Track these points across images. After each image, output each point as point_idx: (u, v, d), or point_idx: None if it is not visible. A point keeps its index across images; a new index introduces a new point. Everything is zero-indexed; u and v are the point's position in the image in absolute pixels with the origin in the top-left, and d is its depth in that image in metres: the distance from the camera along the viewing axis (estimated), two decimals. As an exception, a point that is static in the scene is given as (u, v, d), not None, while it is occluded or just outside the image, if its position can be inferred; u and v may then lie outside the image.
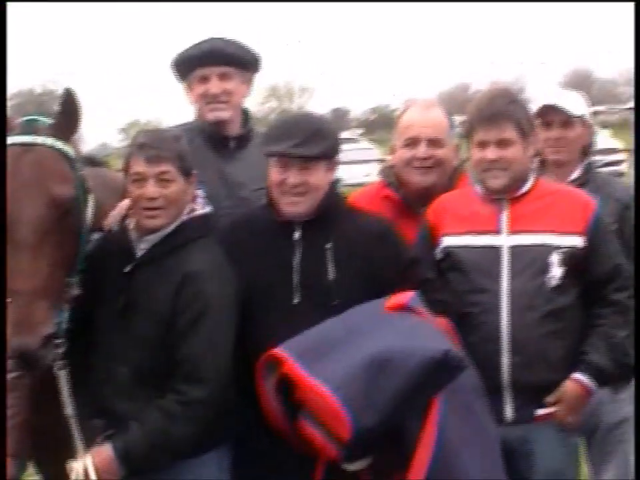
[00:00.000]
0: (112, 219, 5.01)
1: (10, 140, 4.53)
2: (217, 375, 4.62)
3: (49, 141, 4.54)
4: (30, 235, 4.35)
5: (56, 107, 4.66)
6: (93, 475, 4.45)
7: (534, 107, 6.07)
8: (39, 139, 4.51)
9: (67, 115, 4.70)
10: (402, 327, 4.69)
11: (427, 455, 4.52)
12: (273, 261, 4.94)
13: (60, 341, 4.49)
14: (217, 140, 5.49)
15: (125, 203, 5.01)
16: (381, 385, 4.44)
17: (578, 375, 5.03)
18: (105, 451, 4.49)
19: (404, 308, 4.73)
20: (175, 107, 5.93)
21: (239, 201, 5.43)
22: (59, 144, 4.58)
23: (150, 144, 4.70)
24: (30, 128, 4.60)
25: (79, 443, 4.65)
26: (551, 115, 6.01)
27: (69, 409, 4.63)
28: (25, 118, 4.72)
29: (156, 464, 4.60)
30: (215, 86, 5.73)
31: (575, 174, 5.99)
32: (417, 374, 4.49)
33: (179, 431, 4.55)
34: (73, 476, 4.50)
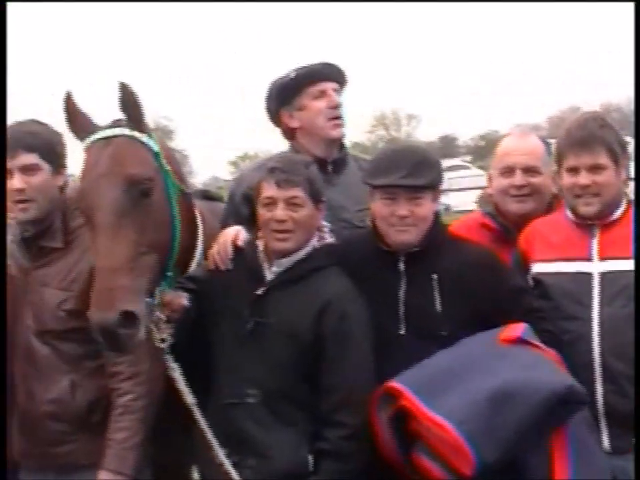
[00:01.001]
0: (227, 241, 5.00)
1: (92, 137, 4.65)
2: (367, 399, 4.59)
3: (125, 131, 4.62)
4: (107, 215, 4.41)
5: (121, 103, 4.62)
6: None
7: None
8: (116, 131, 4.61)
9: (131, 106, 4.69)
10: (520, 360, 4.65)
11: None
12: (378, 290, 4.86)
13: (163, 337, 4.61)
14: (317, 164, 5.25)
15: (232, 230, 5.06)
16: (504, 420, 4.42)
17: None
18: None
19: (519, 341, 4.69)
20: (277, 139, 5.89)
21: (342, 222, 5.39)
22: (135, 133, 4.65)
23: (281, 168, 4.75)
24: (111, 125, 4.69)
25: (206, 431, 4.61)
26: None
27: (189, 398, 4.63)
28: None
29: None
30: (335, 99, 5.78)
31: None
32: (541, 408, 4.48)
33: (355, 467, 4.56)
34: None
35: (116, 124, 4.69)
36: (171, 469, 5.31)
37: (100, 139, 4.63)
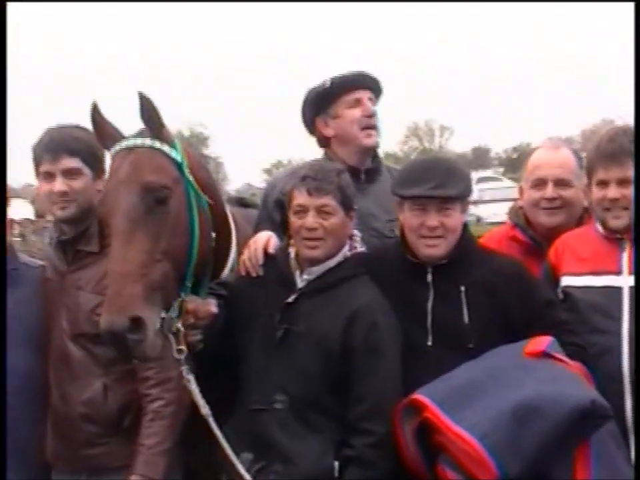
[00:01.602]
0: (258, 247, 5.04)
1: (115, 147, 4.70)
2: (392, 410, 4.63)
3: (146, 141, 4.65)
4: (122, 221, 4.45)
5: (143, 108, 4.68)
6: None
7: None
8: (138, 141, 4.65)
9: (154, 119, 4.75)
10: (545, 374, 4.65)
11: None
12: (406, 302, 4.87)
13: (177, 341, 4.59)
14: (350, 173, 5.24)
15: (264, 235, 5.13)
16: (527, 434, 4.42)
17: None
18: None
19: (544, 354, 4.69)
20: (312, 147, 5.94)
21: (372, 231, 5.41)
22: (156, 143, 4.68)
23: (312, 176, 4.79)
24: (134, 135, 4.74)
25: (221, 441, 4.62)
26: None
27: (204, 410, 4.63)
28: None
29: None
30: (369, 108, 5.83)
31: None
32: (564, 423, 4.47)
33: (380, 475, 4.57)
34: None
35: (139, 134, 4.74)
36: (203, 474, 5.35)
37: (123, 148, 4.68)
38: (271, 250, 5.09)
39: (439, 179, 4.89)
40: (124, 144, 4.68)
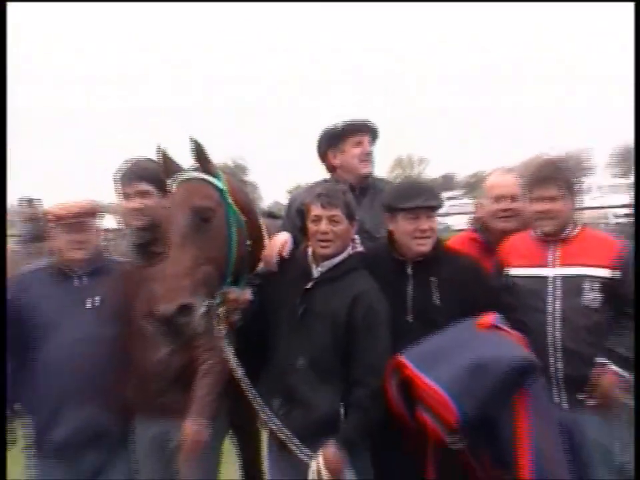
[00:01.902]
0: (273, 250, 5.43)
1: (174, 179, 5.08)
2: (384, 369, 5.00)
3: (196, 174, 5.06)
4: (175, 235, 4.81)
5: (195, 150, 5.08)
6: (324, 468, 4.84)
7: None
8: (192, 174, 5.06)
9: (202, 157, 5.10)
10: (492, 340, 5.08)
11: (524, 445, 4.93)
12: (392, 288, 5.24)
13: (217, 322, 4.99)
14: (355, 191, 5.74)
15: (282, 237, 5.53)
16: (479, 384, 4.82)
17: (607, 363, 5.29)
18: (330, 450, 4.86)
19: (492, 327, 5.11)
20: (320, 173, 6.44)
21: (364, 234, 5.74)
22: (204, 175, 5.08)
23: (326, 194, 5.21)
24: (189, 169, 5.12)
25: (258, 409, 5.05)
26: None
27: (238, 372, 5.03)
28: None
29: (358, 447, 5.00)
30: (367, 147, 6.23)
31: None
32: (507, 376, 4.91)
33: (373, 418, 4.95)
34: (310, 475, 4.88)
35: (193, 168, 5.11)
36: (247, 422, 5.69)
37: (182, 179, 5.06)
38: (285, 254, 5.46)
39: (427, 194, 5.38)
40: (182, 176, 5.07)
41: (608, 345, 5.36)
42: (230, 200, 5.13)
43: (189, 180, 5.07)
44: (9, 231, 6.09)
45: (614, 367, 5.31)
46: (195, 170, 5.12)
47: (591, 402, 5.33)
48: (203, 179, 5.08)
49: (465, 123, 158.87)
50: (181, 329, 4.64)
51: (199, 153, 5.07)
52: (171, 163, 5.16)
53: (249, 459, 6.23)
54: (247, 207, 5.40)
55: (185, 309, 4.61)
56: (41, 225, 14.78)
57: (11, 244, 6.81)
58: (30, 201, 14.40)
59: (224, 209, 5.08)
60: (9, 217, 10.39)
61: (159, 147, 5.11)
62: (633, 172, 5.16)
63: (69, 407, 5.34)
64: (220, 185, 5.12)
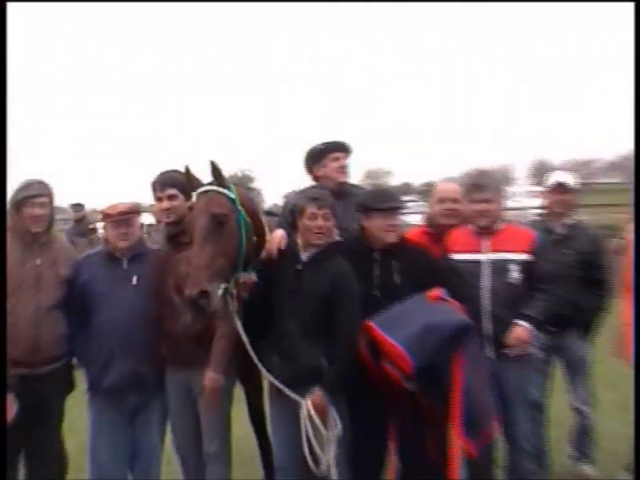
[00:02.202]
0: (274, 243, 5.59)
1: (197, 191, 5.24)
2: (357, 331, 5.22)
3: (214, 187, 5.22)
4: (198, 235, 5.01)
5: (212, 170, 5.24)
6: (312, 409, 5.09)
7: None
8: (210, 187, 5.22)
9: (217, 174, 5.26)
10: (439, 308, 5.34)
11: (459, 388, 5.26)
12: (363, 270, 5.42)
13: (229, 301, 5.15)
14: (335, 195, 5.76)
15: (279, 233, 5.65)
16: (429, 341, 5.13)
17: (520, 322, 5.55)
18: (317, 394, 5.10)
19: (439, 298, 5.38)
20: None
21: (341, 229, 5.76)
22: (219, 188, 5.22)
23: (319, 197, 5.41)
24: (208, 183, 5.27)
25: (258, 366, 5.27)
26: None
27: (244, 337, 5.22)
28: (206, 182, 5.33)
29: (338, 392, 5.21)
30: (344, 162, 6.37)
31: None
32: (450, 334, 5.21)
33: (348, 371, 5.19)
34: (301, 414, 5.11)
35: (211, 183, 5.25)
36: (252, 375, 5.69)
37: (202, 191, 5.23)
38: (282, 246, 5.57)
39: (393, 199, 5.66)
40: (202, 189, 5.23)
41: (524, 310, 5.59)
42: (239, 207, 5.26)
43: (207, 192, 5.21)
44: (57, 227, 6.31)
45: (523, 323, 5.56)
46: (212, 184, 5.25)
47: (512, 353, 5.55)
48: (219, 192, 5.22)
49: (419, 140, 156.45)
50: (201, 306, 4.87)
51: (215, 171, 5.22)
52: (193, 178, 5.29)
53: (254, 403, 6.33)
54: (253, 211, 5.52)
55: (204, 294, 4.84)
56: (84, 224, 15.24)
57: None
58: (77, 205, 14.93)
59: (235, 214, 5.22)
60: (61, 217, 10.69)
61: (186, 166, 5.28)
62: (633, 173, 5.18)
63: (116, 360, 5.54)
64: (232, 195, 5.25)
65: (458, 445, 5.30)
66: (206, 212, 5.13)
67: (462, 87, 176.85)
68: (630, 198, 5.72)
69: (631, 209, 5.68)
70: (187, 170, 5.30)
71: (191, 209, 5.33)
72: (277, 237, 5.64)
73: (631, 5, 6.20)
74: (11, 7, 6.42)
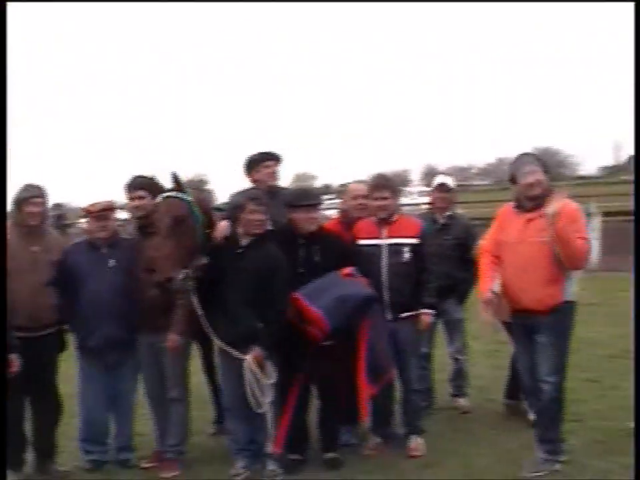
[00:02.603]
0: (220, 232, 5.61)
1: (163, 195, 5.36)
2: (287, 301, 5.32)
3: (174, 194, 5.35)
4: (163, 233, 5.20)
5: (173, 181, 5.37)
6: (253, 364, 5.21)
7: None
8: (171, 194, 5.36)
9: (178, 183, 5.38)
10: (350, 283, 5.45)
11: (364, 345, 5.49)
12: (291, 253, 5.45)
13: (189, 283, 5.26)
14: (267, 195, 5.88)
15: (224, 224, 5.62)
16: (343, 308, 5.30)
17: (424, 311, 5.78)
18: (256, 350, 5.21)
19: (350, 275, 5.48)
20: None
21: (273, 220, 5.71)
22: (179, 194, 5.34)
23: (257, 197, 5.48)
24: (170, 189, 5.40)
25: (209, 330, 5.37)
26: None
27: (198, 310, 5.34)
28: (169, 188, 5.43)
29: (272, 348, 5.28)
30: (273, 169, 6.34)
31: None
32: (359, 303, 5.38)
33: (280, 330, 5.30)
34: (245, 367, 5.21)
35: (171, 189, 5.37)
36: (206, 337, 5.63)
37: (164, 197, 5.35)
38: (226, 232, 5.57)
39: (314, 197, 5.79)
40: (165, 195, 5.35)
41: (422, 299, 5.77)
42: (194, 208, 5.35)
43: (169, 197, 5.33)
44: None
45: (427, 311, 5.80)
46: (173, 190, 5.36)
47: (406, 315, 5.71)
48: (178, 197, 5.34)
49: (339, 148, 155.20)
50: (167, 288, 5.16)
51: (175, 180, 5.36)
52: (158, 185, 5.42)
53: (206, 358, 6.36)
54: (205, 208, 5.59)
55: (170, 279, 5.10)
56: (62, 220, 15.02)
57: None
58: (58, 205, 14.80)
59: (191, 214, 5.33)
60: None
61: (152, 175, 5.44)
62: (633, 171, 5.16)
63: (98, 326, 5.60)
64: (188, 198, 5.35)
65: (365, 387, 5.46)
66: (168, 214, 5.24)
67: (370, 102, 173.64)
68: (631, 201, 5.71)
69: (631, 204, 5.78)
70: (153, 178, 5.45)
71: (156, 209, 5.41)
72: (221, 227, 5.62)
73: (631, 5, 5.81)
74: (11, 7, 6.03)
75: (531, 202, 5.20)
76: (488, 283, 5.29)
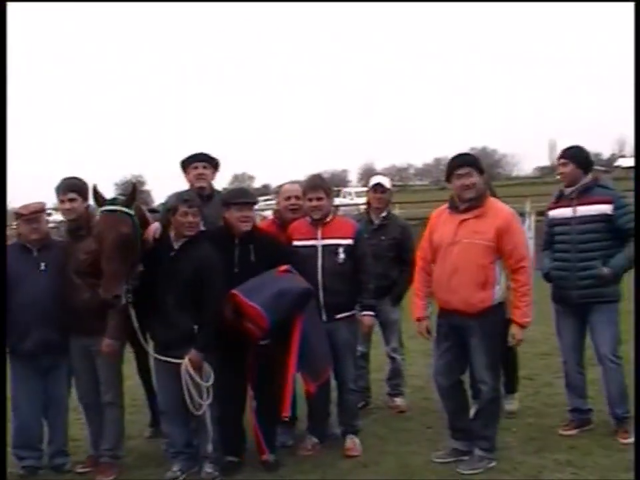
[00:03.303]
0: (150, 234, 5.58)
1: (104, 208, 5.29)
2: (221, 299, 5.29)
3: (120, 207, 5.29)
4: (109, 249, 5.13)
5: (125, 191, 5.40)
6: (190, 367, 5.21)
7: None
8: (117, 207, 5.28)
9: (132, 195, 5.40)
10: (287, 279, 5.47)
11: (297, 340, 5.45)
12: (225, 253, 5.46)
13: (129, 295, 5.25)
14: (200, 196, 5.88)
15: (154, 226, 5.63)
16: (281, 303, 5.29)
17: (365, 313, 5.85)
18: (192, 353, 5.21)
19: (286, 272, 5.50)
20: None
21: (210, 223, 5.80)
22: (126, 209, 5.29)
23: (189, 199, 5.45)
24: (114, 202, 5.36)
25: (142, 341, 5.45)
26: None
27: (135, 324, 5.37)
28: (110, 197, 5.44)
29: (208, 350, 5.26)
30: (201, 171, 6.27)
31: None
32: (297, 298, 5.42)
33: (215, 331, 5.25)
34: (182, 370, 5.20)
35: (115, 202, 5.35)
36: (138, 342, 5.61)
37: (109, 210, 5.29)
38: (157, 234, 5.59)
39: (249, 196, 5.76)
40: (110, 207, 5.29)
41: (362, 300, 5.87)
42: (136, 220, 5.35)
43: (115, 212, 5.28)
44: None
45: (367, 313, 5.89)
46: (117, 203, 5.34)
47: (342, 315, 5.77)
48: (126, 212, 5.31)
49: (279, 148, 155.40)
50: (114, 303, 5.14)
51: (132, 193, 5.44)
52: (99, 195, 5.34)
53: (142, 362, 6.32)
54: (142, 213, 5.62)
55: (116, 297, 5.09)
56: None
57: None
58: None
59: (135, 229, 5.32)
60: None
61: (94, 184, 5.36)
62: (633, 172, 5.16)
63: (31, 330, 5.56)
64: (132, 213, 5.32)
65: (291, 384, 5.49)
66: (115, 230, 5.19)
67: (309, 102, 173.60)
68: None
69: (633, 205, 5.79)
70: (95, 188, 5.37)
71: (100, 223, 5.37)
72: (152, 228, 5.62)
73: (631, 5, 5.81)
74: (11, 7, 6.04)
75: (465, 203, 5.29)
76: (420, 309, 5.57)
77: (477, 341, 5.27)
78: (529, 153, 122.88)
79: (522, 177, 70.52)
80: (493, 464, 5.35)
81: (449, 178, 5.42)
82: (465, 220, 5.26)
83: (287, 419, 5.58)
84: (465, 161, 5.38)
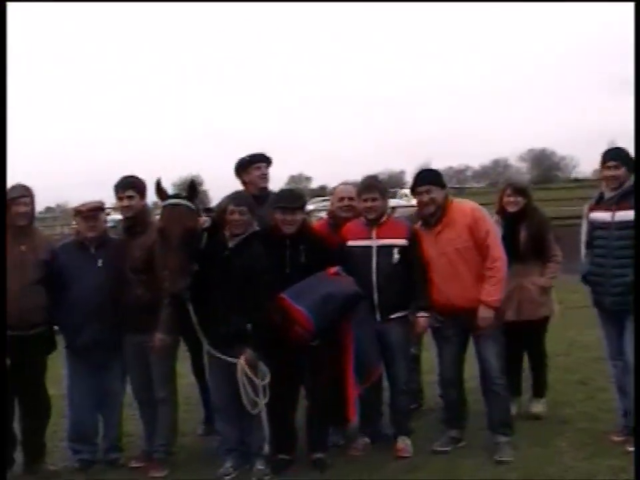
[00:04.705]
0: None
1: (168, 202, 5.41)
2: (272, 302, 5.30)
3: (184, 202, 5.41)
4: (174, 243, 5.21)
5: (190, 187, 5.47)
6: (245, 366, 5.28)
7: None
8: (181, 201, 5.41)
9: (192, 190, 5.51)
10: (336, 282, 5.48)
11: (351, 343, 5.56)
12: (277, 253, 5.52)
13: (187, 289, 5.29)
14: (257, 198, 5.96)
15: (203, 219, 5.71)
16: (328, 308, 5.33)
17: (420, 314, 5.75)
18: (248, 352, 5.27)
19: (336, 274, 5.51)
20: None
21: (265, 223, 5.80)
22: (189, 203, 5.41)
23: (239, 199, 5.55)
24: (177, 196, 5.50)
25: (201, 336, 5.48)
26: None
27: (194, 318, 5.42)
28: (174, 193, 5.57)
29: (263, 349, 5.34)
30: (264, 171, 6.42)
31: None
32: (345, 302, 5.42)
33: (269, 331, 5.34)
34: (238, 369, 5.27)
35: (180, 196, 5.48)
36: (196, 338, 5.65)
37: (174, 204, 5.42)
38: (204, 225, 5.68)
39: (291, 200, 5.72)
40: (174, 201, 5.42)
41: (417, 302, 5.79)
42: (197, 215, 5.45)
43: (179, 205, 5.39)
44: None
45: (422, 314, 5.77)
46: (182, 197, 5.46)
47: (395, 316, 5.75)
48: (189, 207, 5.42)
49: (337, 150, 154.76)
50: (179, 298, 5.29)
51: (192, 188, 5.52)
52: (162, 189, 5.46)
53: (196, 360, 6.22)
54: (198, 211, 5.67)
55: (180, 290, 5.23)
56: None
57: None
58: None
59: (198, 223, 5.44)
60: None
61: (158, 179, 5.45)
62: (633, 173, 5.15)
63: (86, 325, 5.65)
64: (193, 207, 5.44)
65: (352, 387, 5.54)
66: (180, 223, 5.30)
67: (367, 103, 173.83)
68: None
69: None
70: (158, 182, 5.47)
71: (164, 216, 5.46)
72: (201, 220, 5.72)
73: (631, 5, 5.77)
74: (11, 7, 6.10)
75: (431, 218, 5.69)
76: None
77: (483, 333, 5.61)
78: (588, 155, 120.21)
79: (580, 180, 69.18)
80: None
81: (413, 191, 5.88)
82: (439, 233, 5.65)
83: (349, 422, 5.70)
84: (422, 179, 5.81)
